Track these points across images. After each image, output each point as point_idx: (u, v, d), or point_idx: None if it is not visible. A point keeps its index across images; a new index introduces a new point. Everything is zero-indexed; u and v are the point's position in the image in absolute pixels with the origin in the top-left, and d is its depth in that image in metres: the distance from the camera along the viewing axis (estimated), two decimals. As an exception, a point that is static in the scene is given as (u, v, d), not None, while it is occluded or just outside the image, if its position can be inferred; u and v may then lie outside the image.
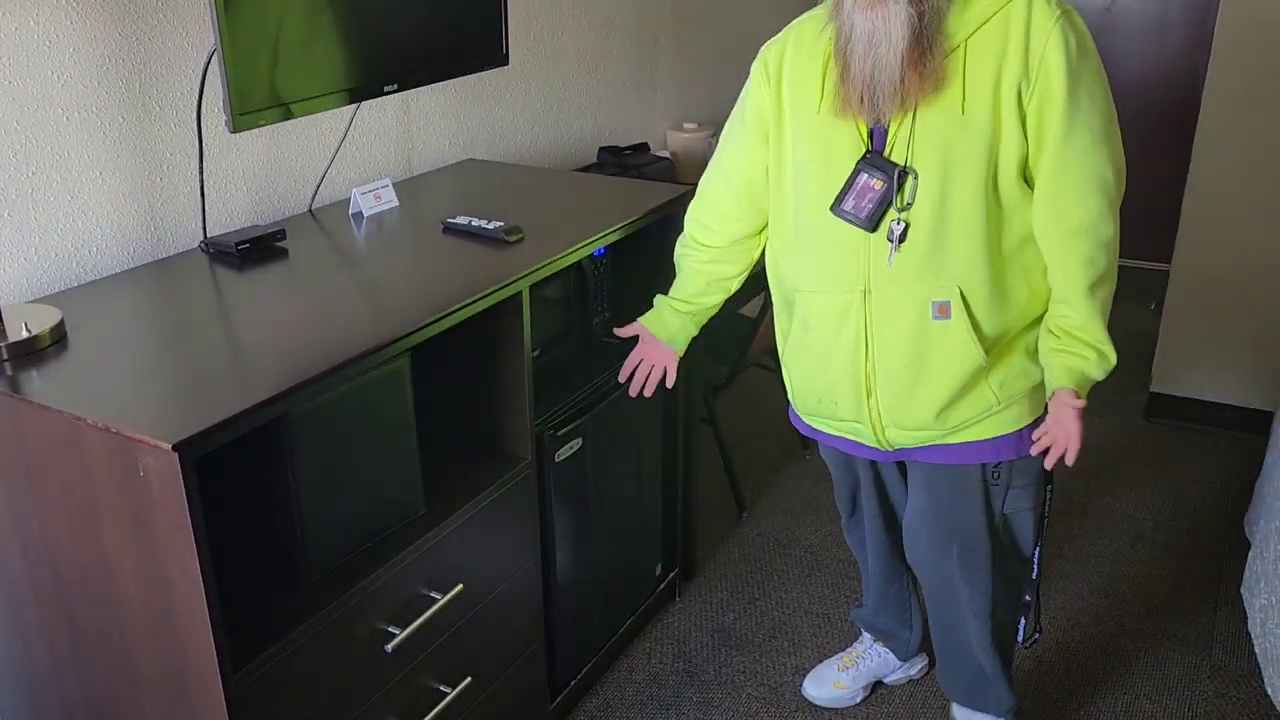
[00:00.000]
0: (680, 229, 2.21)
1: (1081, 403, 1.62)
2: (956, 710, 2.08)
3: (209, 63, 1.76)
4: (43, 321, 1.48)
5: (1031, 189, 1.57)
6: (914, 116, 1.54)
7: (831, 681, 2.23)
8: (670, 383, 2.02)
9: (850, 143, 1.59)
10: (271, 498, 1.49)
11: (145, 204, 1.84)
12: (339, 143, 2.14)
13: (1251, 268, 3.06)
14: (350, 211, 2.05)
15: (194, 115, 1.84)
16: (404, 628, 1.61)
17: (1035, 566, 1.83)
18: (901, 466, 1.93)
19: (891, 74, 1.49)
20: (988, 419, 1.68)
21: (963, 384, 1.63)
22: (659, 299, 1.96)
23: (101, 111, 1.75)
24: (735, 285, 1.93)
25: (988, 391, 1.65)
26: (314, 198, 2.12)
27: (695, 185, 3.23)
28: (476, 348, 1.84)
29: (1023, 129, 1.53)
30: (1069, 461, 1.65)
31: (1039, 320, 1.66)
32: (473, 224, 1.91)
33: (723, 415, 2.90)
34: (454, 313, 1.61)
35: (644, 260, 2.25)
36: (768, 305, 2.61)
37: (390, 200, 2.08)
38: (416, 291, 1.68)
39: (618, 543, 2.24)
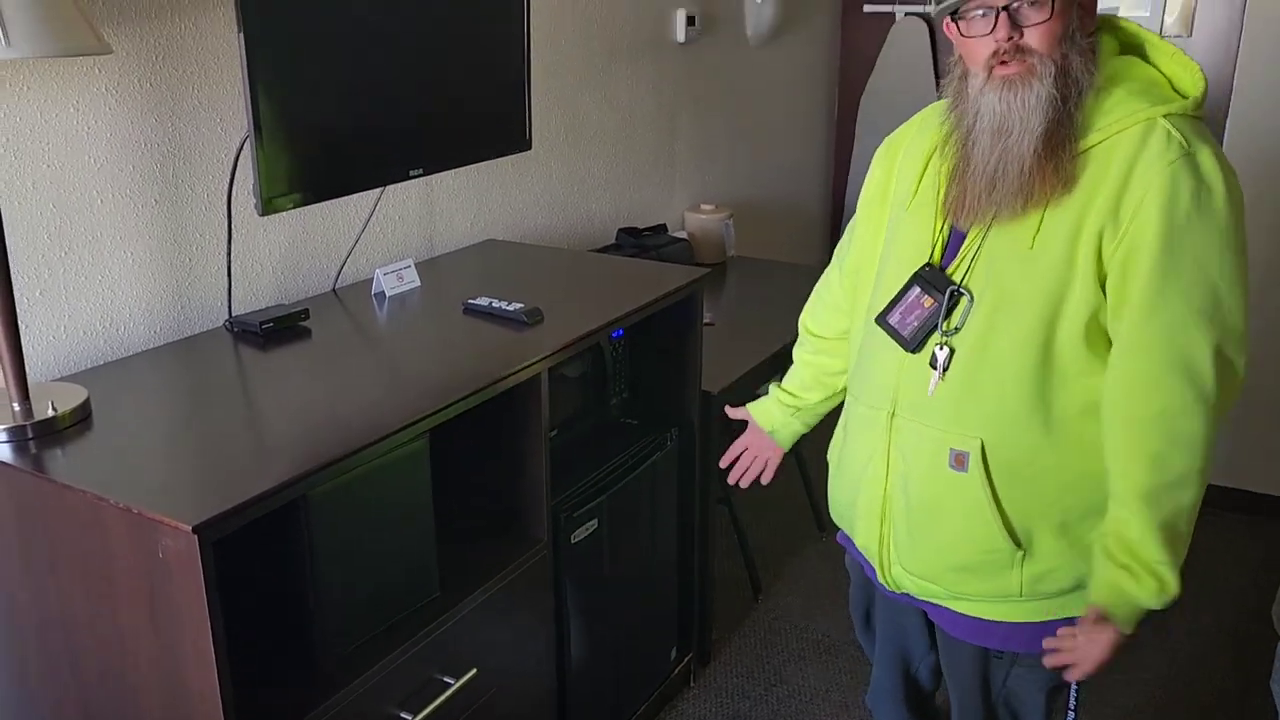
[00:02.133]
0: (697, 310, 2.24)
1: (1113, 632, 1.34)
2: None
3: (241, 148, 1.81)
4: (68, 400, 1.50)
5: (1105, 354, 1.32)
6: (985, 234, 1.35)
7: None
8: (767, 479, 1.86)
9: (922, 251, 1.43)
10: (287, 577, 1.49)
11: (173, 283, 1.88)
12: (364, 224, 2.19)
13: (1270, 348, 3.05)
14: (373, 291, 2.08)
15: (224, 198, 1.89)
16: (417, 714, 1.58)
17: None
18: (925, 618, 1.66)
19: (1021, 165, 1.29)
20: (1006, 603, 1.45)
21: (976, 551, 1.41)
22: (772, 386, 1.82)
23: (135, 194, 1.80)
24: (841, 383, 1.72)
25: (1013, 581, 1.42)
26: (338, 277, 2.15)
27: (712, 266, 3.27)
28: (495, 427, 1.85)
29: (1100, 284, 1.29)
30: (1069, 678, 1.42)
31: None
32: (493, 305, 1.94)
33: (738, 495, 2.88)
34: (473, 395, 1.62)
35: (661, 342, 2.27)
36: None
37: (412, 280, 2.11)
38: (436, 373, 1.70)
39: (632, 626, 2.22)
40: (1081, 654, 1.36)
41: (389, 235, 2.30)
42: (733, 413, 1.87)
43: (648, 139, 3.18)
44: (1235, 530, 3.15)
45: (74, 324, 1.74)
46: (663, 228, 3.08)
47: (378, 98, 1.88)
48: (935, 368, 1.39)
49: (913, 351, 1.42)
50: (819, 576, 2.95)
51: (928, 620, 1.63)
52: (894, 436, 1.45)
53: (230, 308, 1.92)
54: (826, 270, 1.77)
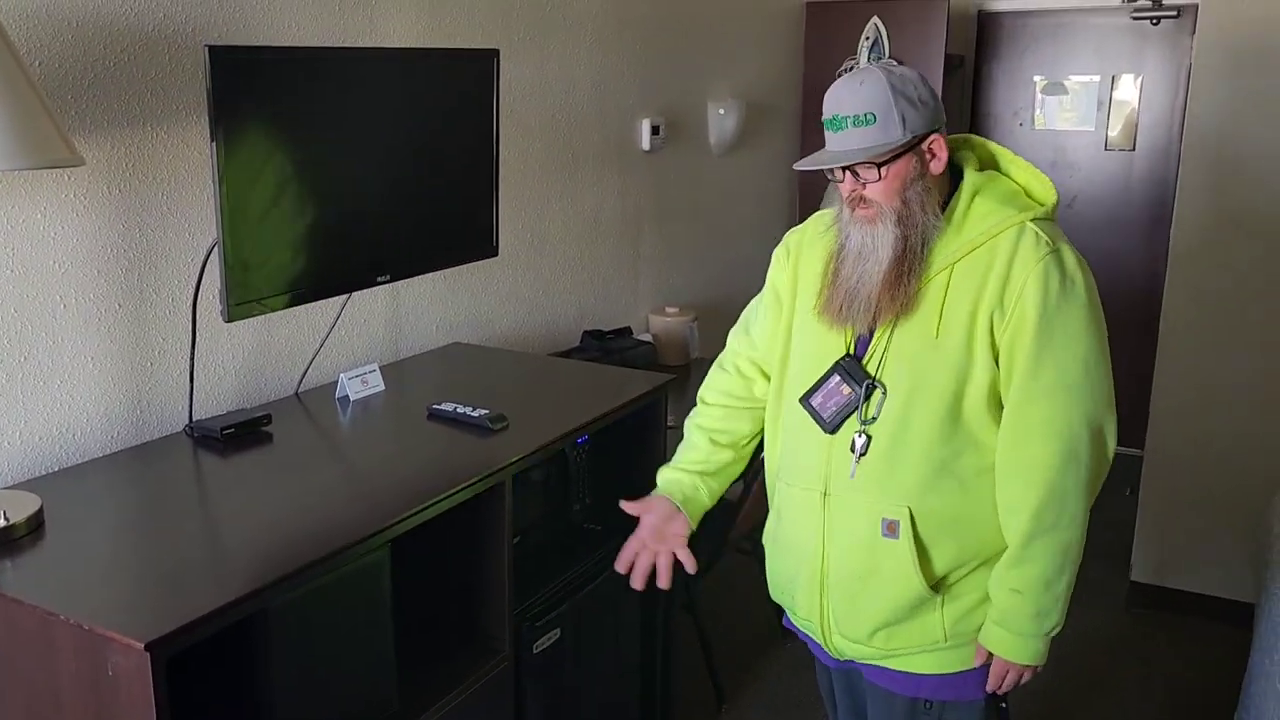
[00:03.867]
0: (659, 417, 2.24)
1: (1002, 673, 1.58)
2: None
3: (209, 254, 1.82)
4: (21, 510, 1.47)
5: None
6: (891, 333, 1.55)
7: None
8: (665, 580, 1.77)
9: (836, 343, 1.61)
10: (243, 693, 1.44)
11: (134, 388, 1.86)
12: (329, 329, 2.19)
13: (1221, 457, 3.11)
14: (337, 395, 2.08)
15: (189, 303, 1.89)
16: (370, 836, 1.53)
17: None
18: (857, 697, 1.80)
19: (870, 289, 1.53)
20: (933, 653, 1.61)
21: (904, 608, 1.57)
22: (661, 470, 1.81)
23: (99, 299, 1.79)
24: (747, 446, 1.82)
25: (936, 625, 1.59)
26: (301, 381, 2.14)
27: (676, 369, 3.30)
28: (458, 534, 1.83)
29: (995, 360, 1.51)
30: (995, 688, 1.60)
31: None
32: (457, 411, 1.94)
33: (702, 602, 2.86)
34: (435, 504, 1.61)
35: (625, 447, 2.27)
36: (747, 490, 2.62)
37: (377, 384, 2.11)
38: (399, 480, 1.69)
39: (595, 738, 2.17)
40: (999, 674, 1.58)
41: (354, 338, 2.30)
42: (628, 506, 1.77)
43: (613, 243, 3.24)
44: (1200, 635, 3.16)
45: (30, 429, 1.72)
46: (627, 330, 3.12)
47: (347, 206, 1.91)
48: (854, 452, 1.57)
49: (830, 433, 1.60)
50: (783, 685, 2.91)
51: None
52: (828, 513, 1.61)
53: (191, 412, 1.90)
54: (732, 337, 1.86)
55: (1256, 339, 3.02)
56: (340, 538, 1.46)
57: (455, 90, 2.12)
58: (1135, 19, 4.37)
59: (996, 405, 1.54)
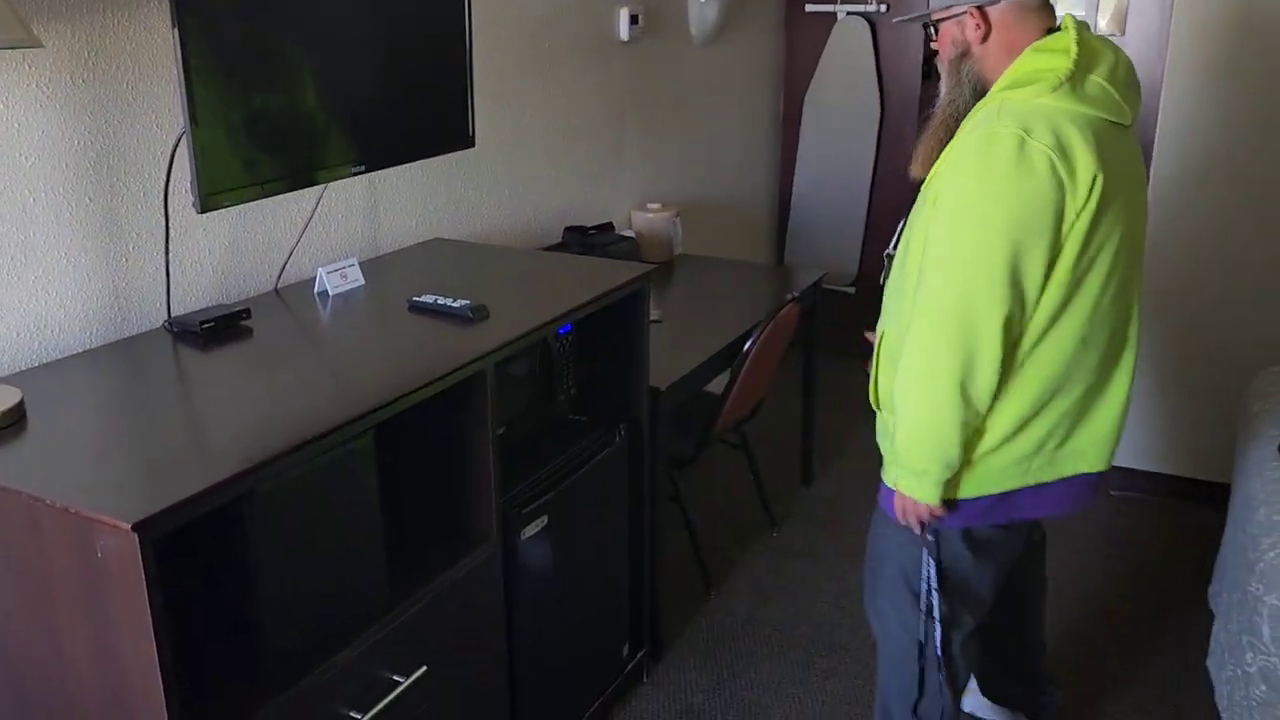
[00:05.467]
0: (644, 307, 2.24)
1: (899, 504, 1.74)
2: None
3: (177, 145, 1.78)
4: (2, 401, 1.46)
5: None
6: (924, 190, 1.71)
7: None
8: None
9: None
10: (231, 577, 1.47)
11: (110, 284, 1.85)
12: (305, 223, 2.16)
13: (1203, 343, 3.14)
14: (316, 290, 2.06)
15: (161, 196, 1.86)
16: (366, 712, 1.57)
17: (936, 621, 1.80)
18: None
19: (921, 142, 1.76)
20: (888, 469, 1.78)
21: (881, 414, 1.82)
22: None
23: (69, 193, 1.76)
24: None
25: (889, 441, 1.76)
26: (280, 277, 2.13)
27: (659, 264, 3.28)
28: (442, 425, 1.84)
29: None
30: (899, 517, 1.76)
31: None
32: (438, 303, 1.93)
33: (689, 492, 2.90)
34: (418, 391, 1.61)
35: (609, 339, 2.27)
36: (732, 383, 2.64)
37: (356, 279, 2.09)
38: (381, 370, 1.69)
39: (584, 623, 2.22)
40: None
41: (333, 234, 2.28)
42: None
43: (593, 138, 3.19)
44: (1176, 516, 3.23)
45: (6, 326, 1.70)
46: (609, 226, 3.09)
47: (317, 93, 1.87)
48: (883, 277, 1.85)
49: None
50: (770, 572, 2.97)
51: None
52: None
53: (169, 308, 1.89)
54: None
55: (1243, 224, 3.01)
56: (323, 424, 1.46)
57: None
58: (1127, -102, 4.24)
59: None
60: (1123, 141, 1.64)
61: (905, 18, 1.87)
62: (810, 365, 3.34)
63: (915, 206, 1.72)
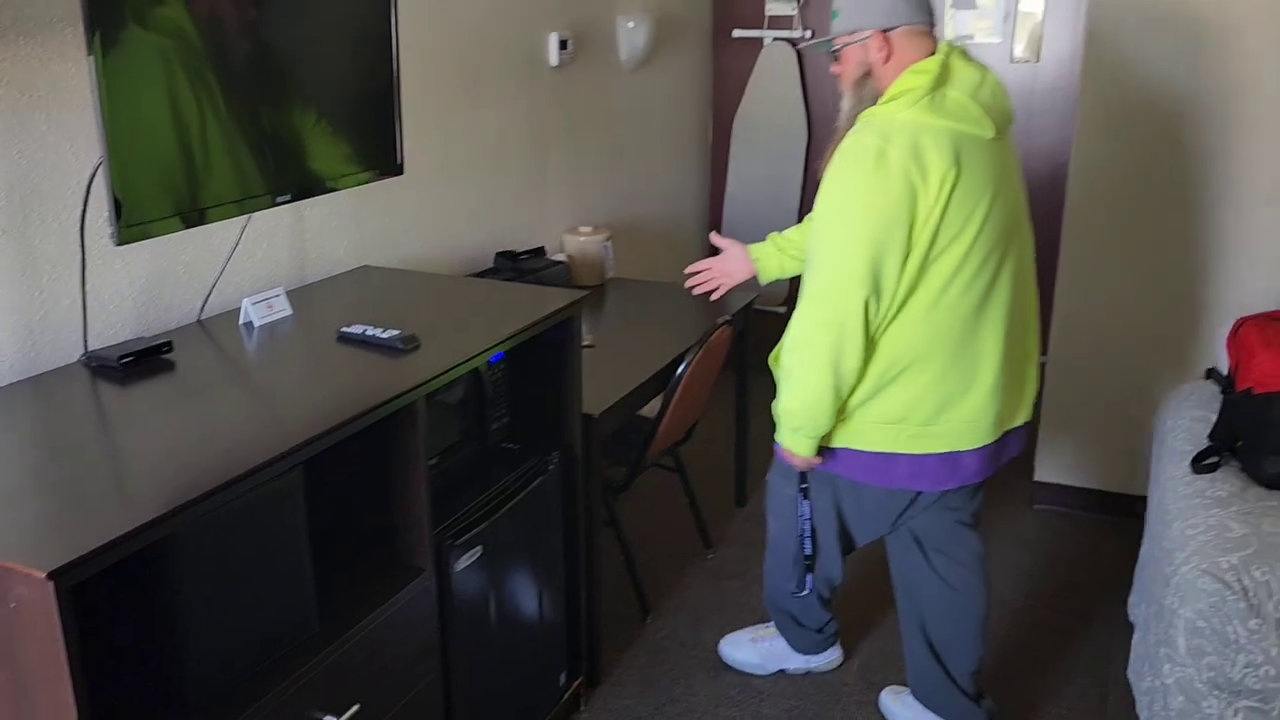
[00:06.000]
0: (576, 333, 2.25)
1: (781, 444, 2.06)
2: None
3: (94, 175, 1.74)
4: (-93, 444, 1.41)
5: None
6: None
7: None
8: (717, 295, 2.47)
9: None
10: (155, 620, 1.42)
11: (23, 319, 1.79)
12: (229, 253, 2.12)
13: (1119, 360, 3.24)
14: (241, 322, 2.02)
15: (78, 227, 1.81)
16: (295, 755, 1.54)
17: (805, 542, 2.23)
18: None
19: (828, 152, 1.92)
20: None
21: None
22: (771, 235, 2.43)
23: (-22, 225, 1.70)
24: None
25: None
26: (203, 308, 2.08)
27: (591, 288, 3.29)
28: (374, 458, 1.82)
29: None
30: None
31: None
32: (367, 333, 1.90)
33: (624, 516, 2.90)
34: (347, 425, 1.59)
35: (541, 365, 2.27)
36: (665, 407, 2.65)
37: (283, 309, 2.06)
38: (309, 403, 1.66)
39: (520, 652, 2.20)
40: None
41: (258, 263, 2.24)
42: (716, 239, 2.47)
43: (524, 161, 3.19)
44: (1099, 530, 3.32)
45: (-88, 363, 1.64)
46: (540, 251, 3.09)
47: (239, 122, 1.84)
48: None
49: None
50: (706, 594, 2.98)
51: None
52: None
53: (86, 342, 1.84)
54: None
55: (1154, 245, 3.12)
56: (249, 461, 1.43)
57: (349, 2, 2.04)
58: (1040, -71, 4.38)
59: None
60: (988, 152, 1.87)
61: (812, 42, 2.06)
62: (743, 386, 3.37)
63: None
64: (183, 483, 1.36)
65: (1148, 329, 3.18)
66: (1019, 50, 4.55)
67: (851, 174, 1.80)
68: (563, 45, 3.27)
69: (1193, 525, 2.02)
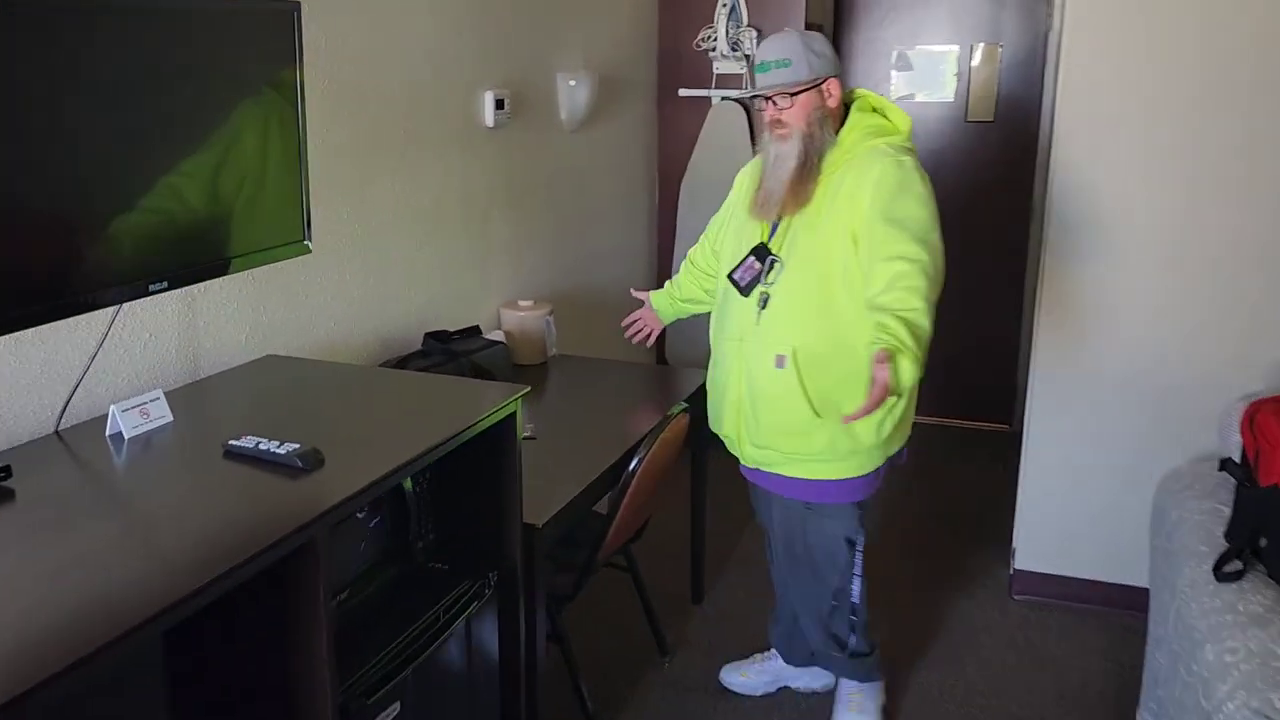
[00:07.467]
0: (514, 433, 1.95)
1: (887, 370, 1.96)
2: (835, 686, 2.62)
3: (-88, 264, 1.40)
4: None
5: (856, 286, 2.10)
6: (791, 223, 2.19)
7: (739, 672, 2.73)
8: (650, 342, 2.77)
9: (755, 233, 2.26)
10: None
11: None
12: (95, 350, 1.78)
13: (1101, 439, 3.00)
14: (108, 432, 1.68)
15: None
16: None
17: (853, 584, 2.36)
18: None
19: (781, 189, 2.16)
20: (817, 463, 2.23)
21: (795, 423, 2.18)
22: (667, 282, 2.71)
23: None
24: (712, 289, 2.52)
25: (819, 439, 2.18)
26: (61, 417, 1.73)
27: (533, 369, 3.00)
28: (264, 603, 1.48)
29: (855, 242, 2.10)
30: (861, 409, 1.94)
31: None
32: (260, 446, 1.58)
33: (571, 624, 2.58)
34: (223, 578, 1.26)
35: (475, 468, 1.95)
36: (615, 508, 2.34)
37: (162, 416, 1.72)
38: (181, 543, 1.33)
39: (450, 816, 1.86)
40: (872, 398, 1.90)
41: (136, 358, 1.90)
42: (636, 293, 2.77)
43: (457, 231, 2.89)
44: (1087, 622, 3.06)
45: None
46: (475, 330, 2.78)
47: (102, 199, 1.52)
48: (759, 307, 2.21)
49: (744, 295, 2.24)
50: (664, 706, 2.65)
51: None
52: (743, 354, 2.24)
53: (-95, 466, 1.48)
54: (700, 241, 2.62)
55: (1138, 315, 2.92)
56: (97, 634, 1.10)
57: (242, 54, 1.74)
58: (993, -14, 4.26)
59: (853, 274, 2.10)
60: None
61: (764, 90, 2.20)
62: (699, 473, 3.08)
63: (781, 228, 2.20)
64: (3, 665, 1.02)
65: (1133, 404, 2.96)
66: (973, 108, 4.40)
67: (913, 178, 2.13)
68: (499, 105, 3.00)
69: (1231, 650, 1.76)
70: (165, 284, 1.62)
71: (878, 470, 2.27)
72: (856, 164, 2.13)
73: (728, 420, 2.32)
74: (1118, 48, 2.79)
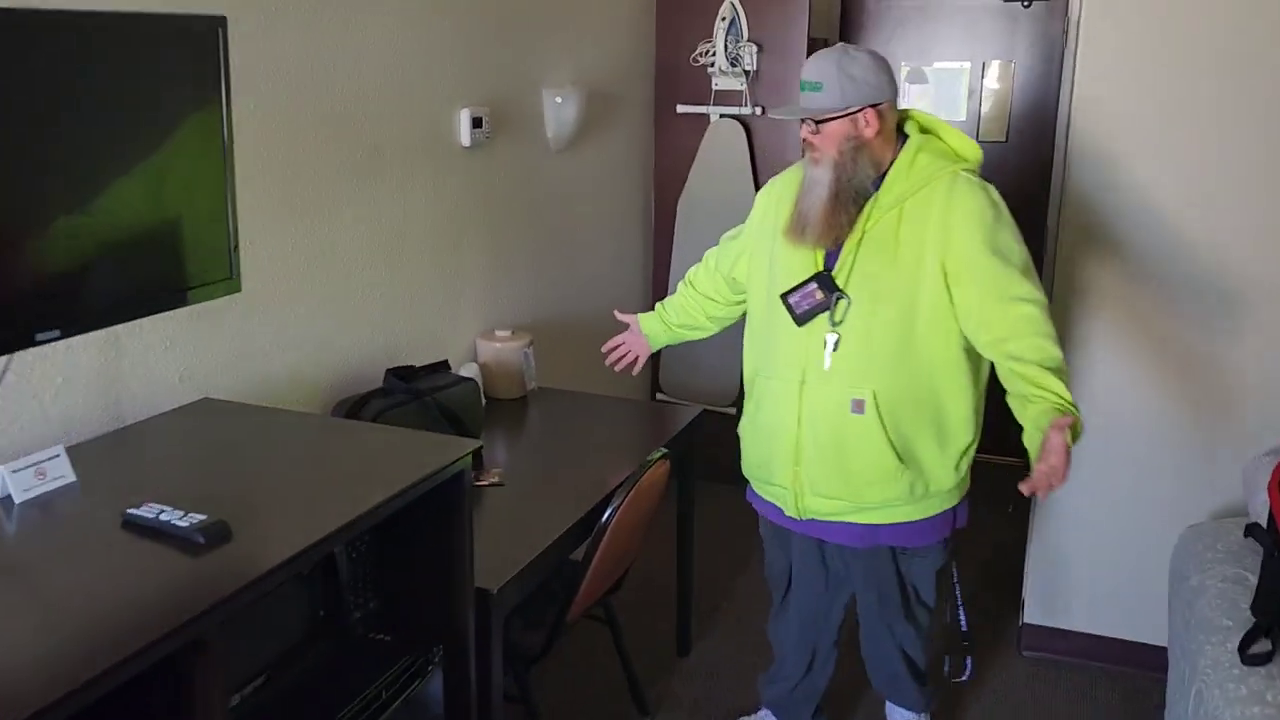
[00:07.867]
0: (461, 489, 1.77)
1: (1065, 436, 1.85)
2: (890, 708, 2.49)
3: None
4: None
5: (947, 323, 2.00)
6: (855, 256, 2.02)
7: None
8: (636, 370, 2.58)
9: (808, 260, 2.07)
10: None
11: None
12: None
13: (1118, 490, 2.80)
14: (-1, 496, 1.51)
15: None
16: None
17: (960, 614, 2.27)
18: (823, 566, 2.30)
19: (815, 215, 2.02)
20: (897, 508, 2.10)
21: (876, 469, 2.04)
22: (658, 304, 2.54)
23: None
24: (717, 314, 2.44)
25: (902, 486, 2.06)
26: (-52, 476, 1.56)
27: (510, 403, 2.82)
28: (160, 697, 1.30)
29: (944, 281, 1.97)
30: (1039, 490, 1.84)
31: (950, 434, 2.07)
32: (162, 517, 1.39)
33: (540, 683, 2.39)
34: (80, 692, 1.08)
35: (421, 528, 1.77)
36: (588, 560, 2.16)
37: (60, 476, 1.54)
38: (56, 637, 1.15)
39: None
40: (1056, 463, 1.82)
41: (47, 406, 1.72)
42: (621, 316, 2.56)
43: (425, 258, 2.71)
44: (1101, 681, 2.85)
45: None
46: (444, 365, 2.60)
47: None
48: (826, 348, 2.03)
49: (800, 325, 2.06)
50: (641, 778, 2.46)
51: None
52: (804, 398, 2.07)
53: None
54: (704, 260, 2.46)
55: (1155, 355, 2.71)
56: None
57: (158, 70, 1.56)
58: (1006, 0, 4.07)
59: (942, 312, 1.99)
60: None
61: (789, 114, 2.09)
62: (685, 516, 2.88)
63: (842, 259, 2.03)
64: None
65: (1153, 454, 2.75)
66: (986, 127, 4.20)
67: (998, 205, 2.03)
68: (476, 123, 2.82)
69: (1261, 755, 1.56)
70: (56, 332, 1.44)
71: (958, 506, 2.19)
72: (935, 194, 1.99)
73: (781, 470, 2.13)
74: (1133, 64, 2.60)
